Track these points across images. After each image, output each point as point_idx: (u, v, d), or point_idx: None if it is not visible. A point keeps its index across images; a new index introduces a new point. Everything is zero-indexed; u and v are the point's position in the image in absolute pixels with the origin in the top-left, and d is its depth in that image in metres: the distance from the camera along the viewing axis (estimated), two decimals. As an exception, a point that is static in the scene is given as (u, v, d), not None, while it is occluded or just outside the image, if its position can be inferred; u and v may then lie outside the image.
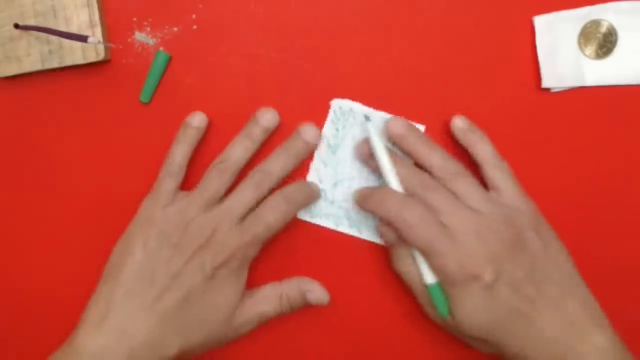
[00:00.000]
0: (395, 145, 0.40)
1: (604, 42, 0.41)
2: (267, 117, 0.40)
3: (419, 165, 0.39)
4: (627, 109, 0.41)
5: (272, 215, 0.39)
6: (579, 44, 0.41)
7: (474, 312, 0.36)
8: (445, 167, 0.38)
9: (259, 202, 0.39)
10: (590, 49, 0.41)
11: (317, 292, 0.41)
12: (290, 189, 0.40)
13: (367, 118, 0.40)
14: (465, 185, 0.38)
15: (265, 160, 0.40)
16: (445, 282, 0.37)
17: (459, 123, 0.40)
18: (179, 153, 0.40)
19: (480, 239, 0.36)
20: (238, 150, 0.40)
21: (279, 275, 0.42)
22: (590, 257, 0.42)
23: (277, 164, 0.40)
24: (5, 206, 0.43)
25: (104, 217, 0.43)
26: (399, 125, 0.39)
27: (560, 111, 0.41)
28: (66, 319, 0.42)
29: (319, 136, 0.41)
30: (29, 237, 0.43)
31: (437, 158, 0.38)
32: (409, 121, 0.40)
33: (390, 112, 0.41)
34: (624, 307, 0.42)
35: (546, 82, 0.41)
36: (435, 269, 0.37)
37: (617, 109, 0.41)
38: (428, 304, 0.38)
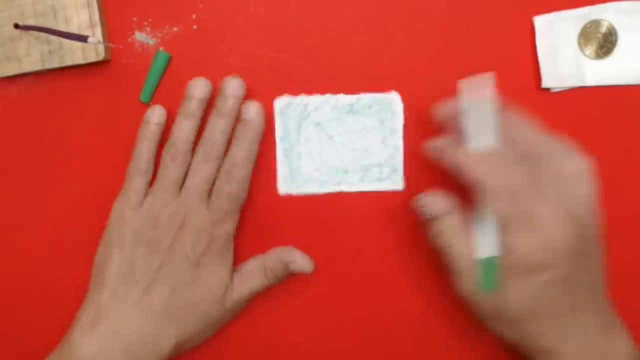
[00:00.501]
0: None
1: (604, 42, 0.41)
2: (199, 89, 0.40)
3: None
4: (627, 109, 0.41)
5: (228, 184, 0.38)
6: (579, 44, 0.41)
7: (526, 294, 0.35)
8: (543, 144, 0.36)
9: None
10: (590, 49, 0.41)
11: (298, 262, 0.40)
12: (233, 151, 0.39)
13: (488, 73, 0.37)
14: (558, 170, 0.36)
15: (205, 130, 0.40)
16: (510, 261, 0.35)
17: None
18: (145, 150, 0.40)
19: (563, 231, 0.34)
20: (183, 129, 0.39)
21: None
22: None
23: (216, 129, 0.39)
24: (5, 206, 0.43)
25: (104, 217, 0.43)
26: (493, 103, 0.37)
27: (560, 111, 0.41)
28: (65, 319, 0.43)
29: (243, 86, 0.40)
30: (29, 237, 0.43)
31: (534, 133, 0.36)
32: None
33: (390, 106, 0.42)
34: (625, 307, 0.42)
35: (546, 82, 0.41)
36: (506, 246, 0.35)
37: (617, 109, 0.41)
38: (467, 278, 0.36)
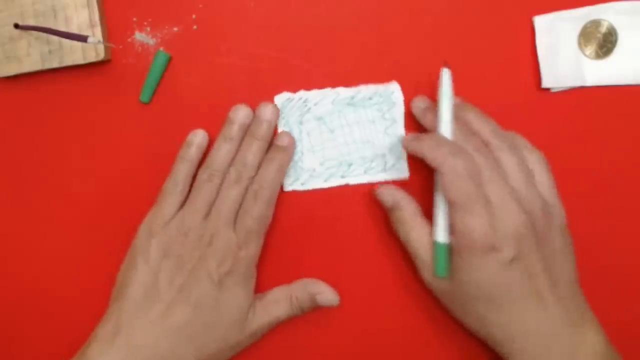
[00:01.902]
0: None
1: (604, 42, 0.41)
2: (241, 115, 0.40)
3: None
4: (627, 109, 0.41)
5: (254, 205, 0.39)
6: (579, 44, 0.41)
7: (476, 282, 0.36)
8: (498, 136, 0.37)
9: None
10: (590, 49, 0.41)
11: (326, 294, 0.41)
12: (262, 172, 0.40)
13: (446, 64, 0.39)
14: (513, 160, 0.37)
15: (238, 152, 0.40)
16: (462, 243, 0.36)
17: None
18: (183, 171, 0.40)
19: (515, 215, 0.35)
20: (221, 153, 0.40)
21: (279, 251, 0.42)
22: (590, 257, 0.42)
23: (249, 152, 0.40)
24: (5, 206, 0.43)
25: (104, 217, 0.43)
26: (458, 100, 0.39)
27: (560, 111, 0.41)
28: (65, 319, 0.43)
29: (277, 111, 0.41)
30: (29, 237, 0.43)
31: (491, 126, 0.38)
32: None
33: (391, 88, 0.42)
34: (626, 306, 0.42)
35: (546, 82, 0.41)
36: (457, 227, 0.36)
37: (617, 109, 0.41)
38: (426, 265, 0.38)
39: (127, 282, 0.39)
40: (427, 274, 0.38)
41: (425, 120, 0.40)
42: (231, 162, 0.40)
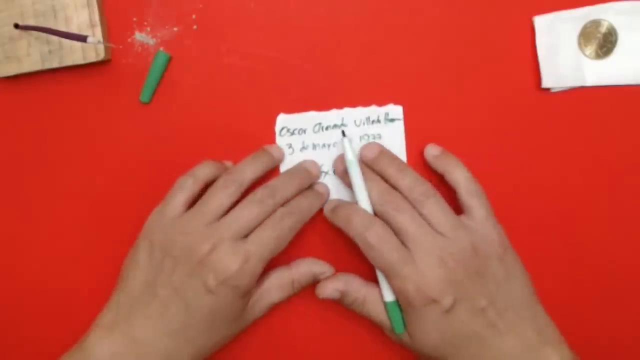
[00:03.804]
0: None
1: (604, 42, 0.41)
2: (277, 153, 0.41)
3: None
4: (627, 109, 0.41)
5: (273, 228, 0.38)
6: (579, 44, 0.41)
7: (429, 333, 0.37)
8: (415, 188, 0.38)
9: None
10: (590, 49, 0.41)
11: (327, 273, 0.41)
12: (297, 200, 0.40)
13: (343, 133, 0.40)
14: (434, 207, 0.37)
15: (273, 180, 0.40)
16: (403, 303, 0.37)
17: (431, 150, 0.41)
18: (201, 170, 0.40)
19: (442, 264, 0.36)
20: (247, 168, 0.39)
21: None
22: (589, 256, 0.42)
23: (284, 182, 0.39)
24: (5, 206, 0.43)
25: (104, 216, 0.43)
26: (371, 148, 0.40)
27: (560, 111, 0.41)
28: (65, 319, 0.43)
29: (319, 168, 0.42)
30: (29, 237, 0.43)
31: (408, 178, 0.38)
32: (381, 145, 0.40)
33: (390, 112, 0.41)
34: (628, 306, 0.42)
35: (546, 82, 0.41)
36: (394, 290, 0.37)
37: (617, 109, 0.41)
38: (387, 326, 0.39)
39: (129, 275, 0.39)
40: (390, 334, 0.40)
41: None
42: (254, 181, 0.40)
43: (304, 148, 0.42)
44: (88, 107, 0.42)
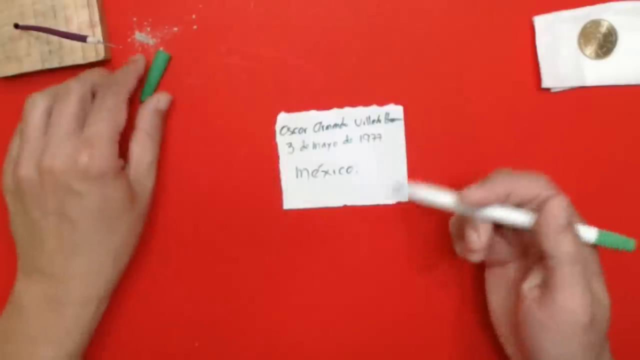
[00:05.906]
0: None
1: (604, 42, 0.41)
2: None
3: None
4: (627, 109, 0.41)
5: (98, 110, 0.37)
6: (579, 44, 0.41)
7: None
8: None
9: None
10: (590, 49, 0.41)
11: (162, 99, 0.41)
12: (109, 79, 0.39)
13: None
14: None
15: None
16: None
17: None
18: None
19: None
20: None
21: (277, 268, 0.42)
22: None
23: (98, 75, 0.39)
24: (5, 206, 0.43)
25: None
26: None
27: (560, 111, 0.41)
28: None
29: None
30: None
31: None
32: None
33: (390, 112, 0.41)
34: (628, 306, 0.42)
35: (546, 82, 0.41)
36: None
37: (617, 109, 0.41)
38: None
39: (14, 237, 0.39)
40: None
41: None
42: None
43: (304, 147, 0.42)
44: (88, 107, 0.42)
